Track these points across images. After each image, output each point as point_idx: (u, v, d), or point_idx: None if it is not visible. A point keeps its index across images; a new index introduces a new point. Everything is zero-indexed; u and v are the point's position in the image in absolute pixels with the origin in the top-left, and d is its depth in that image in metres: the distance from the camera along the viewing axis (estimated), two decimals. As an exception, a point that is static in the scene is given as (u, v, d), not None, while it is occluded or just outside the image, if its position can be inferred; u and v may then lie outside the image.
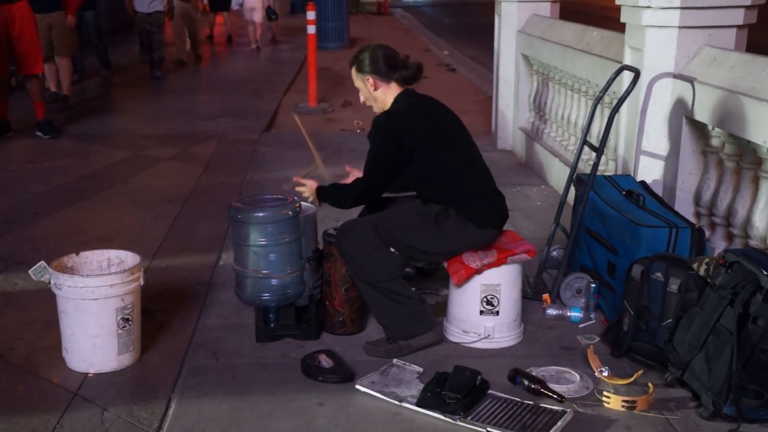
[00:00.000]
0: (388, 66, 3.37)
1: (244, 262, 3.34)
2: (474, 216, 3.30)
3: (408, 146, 3.27)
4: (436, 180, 3.33)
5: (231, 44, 16.10)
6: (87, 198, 5.52)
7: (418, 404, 2.87)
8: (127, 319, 3.14)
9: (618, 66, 4.21)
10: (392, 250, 3.29)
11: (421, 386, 2.97)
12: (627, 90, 3.92)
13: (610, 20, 5.98)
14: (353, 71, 3.44)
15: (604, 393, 2.92)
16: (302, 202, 3.50)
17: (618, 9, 4.38)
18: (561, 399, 2.91)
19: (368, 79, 3.38)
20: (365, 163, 3.38)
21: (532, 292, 3.82)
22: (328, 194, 3.52)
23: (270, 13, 15.56)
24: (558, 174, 5.70)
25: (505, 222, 3.47)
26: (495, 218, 3.39)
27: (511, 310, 3.39)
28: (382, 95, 3.40)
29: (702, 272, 3.02)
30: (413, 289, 3.46)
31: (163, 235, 4.76)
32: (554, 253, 4.10)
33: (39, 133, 7.33)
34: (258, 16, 15.05)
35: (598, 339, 3.44)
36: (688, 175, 4.04)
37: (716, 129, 3.75)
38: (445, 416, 2.81)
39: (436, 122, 3.40)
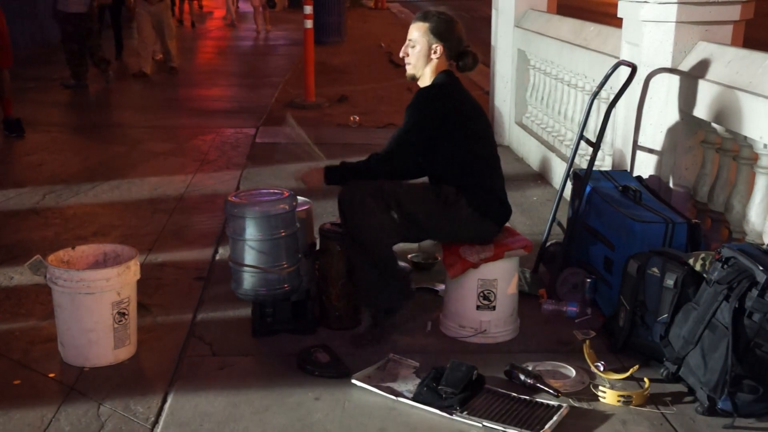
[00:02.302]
0: (462, 48, 3.38)
1: (240, 256, 3.33)
2: (482, 208, 3.33)
3: (448, 125, 3.27)
4: (459, 168, 3.34)
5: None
6: (83, 192, 5.51)
7: (414, 399, 2.87)
8: (123, 314, 3.14)
9: (615, 61, 4.21)
10: (394, 215, 3.23)
11: (418, 381, 2.97)
12: (624, 85, 3.92)
13: (606, 16, 5.98)
14: (425, 28, 3.37)
15: (600, 388, 2.93)
16: (298, 197, 3.49)
17: (614, 5, 4.37)
18: (557, 394, 2.91)
19: (438, 48, 3.36)
20: (394, 137, 3.34)
21: (528, 287, 3.83)
22: (344, 175, 3.38)
23: (268, 0, 16.15)
24: (555, 169, 5.70)
25: (507, 221, 3.48)
26: (500, 215, 3.41)
27: (507, 305, 3.40)
28: (434, 67, 3.39)
29: (698, 267, 3.02)
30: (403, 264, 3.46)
31: (159, 230, 4.75)
32: (551, 248, 4.10)
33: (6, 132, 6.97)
34: (257, 1, 15.88)
35: (594, 334, 3.44)
36: (685, 171, 4.04)
37: (713, 124, 3.75)
38: (441, 411, 2.80)
39: (474, 110, 3.42)
